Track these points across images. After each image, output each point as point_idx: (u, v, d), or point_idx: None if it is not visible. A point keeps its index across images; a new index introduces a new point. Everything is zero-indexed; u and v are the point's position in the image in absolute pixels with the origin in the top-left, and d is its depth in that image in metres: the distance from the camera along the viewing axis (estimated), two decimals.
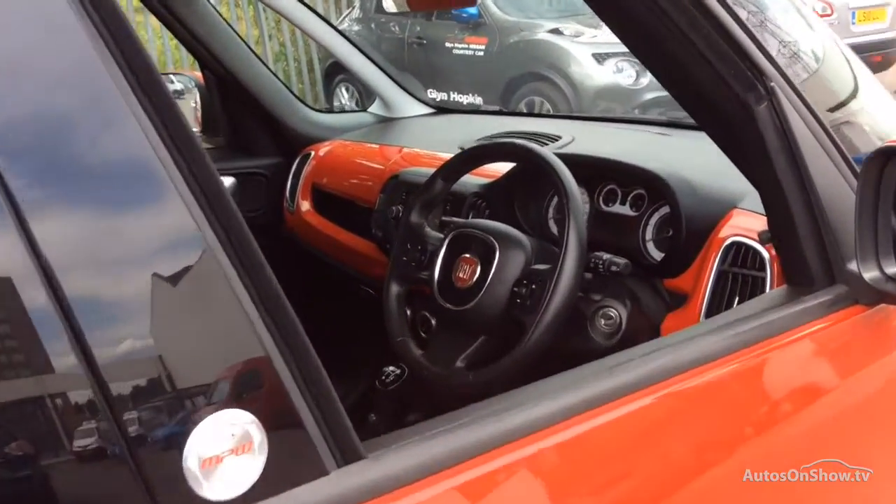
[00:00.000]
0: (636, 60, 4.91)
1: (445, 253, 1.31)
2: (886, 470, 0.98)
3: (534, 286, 1.18)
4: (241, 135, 2.24)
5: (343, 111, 2.40)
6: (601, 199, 1.47)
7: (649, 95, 5.21)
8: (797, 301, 0.97)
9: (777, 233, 1.05)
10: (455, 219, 1.49)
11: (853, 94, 1.19)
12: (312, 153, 2.19)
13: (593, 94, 5.49)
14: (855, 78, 1.18)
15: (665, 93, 1.08)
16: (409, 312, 1.38)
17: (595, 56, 5.53)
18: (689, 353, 0.86)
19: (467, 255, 1.27)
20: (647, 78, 5.16)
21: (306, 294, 2.40)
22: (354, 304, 2.00)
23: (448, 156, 1.88)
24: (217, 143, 2.28)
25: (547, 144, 1.79)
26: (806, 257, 0.99)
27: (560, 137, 1.82)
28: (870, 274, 0.94)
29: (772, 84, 0.96)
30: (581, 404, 0.75)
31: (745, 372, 0.90)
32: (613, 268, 1.22)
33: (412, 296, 1.42)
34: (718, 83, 0.96)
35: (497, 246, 1.24)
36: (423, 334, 1.43)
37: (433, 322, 1.38)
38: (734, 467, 0.84)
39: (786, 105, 0.97)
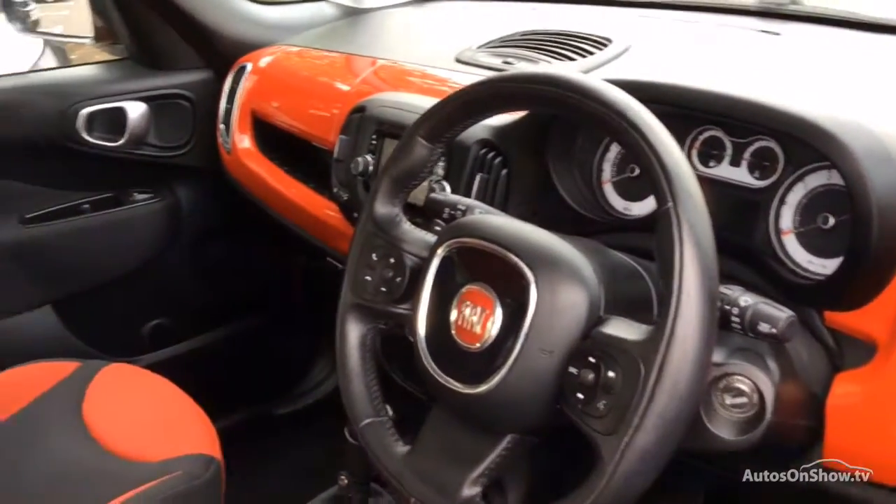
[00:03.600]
0: None
1: (436, 281, 0.73)
2: None
3: (611, 373, 0.60)
4: (149, 40, 1.59)
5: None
6: (696, 155, 0.88)
7: None
8: None
9: None
10: (451, 197, 0.89)
11: None
12: (249, 66, 1.55)
13: None
14: None
15: None
16: (378, 370, 0.81)
17: None
18: None
19: (476, 288, 0.69)
20: None
21: (258, 263, 1.83)
22: (322, 282, 1.41)
23: (441, 74, 1.26)
24: (119, 53, 1.64)
25: (590, 55, 1.17)
26: None
27: (609, 42, 1.19)
28: None
29: None
30: None
31: None
32: (763, 327, 0.63)
33: (390, 342, 0.84)
34: None
35: (532, 278, 0.66)
36: (396, 416, 0.83)
37: (422, 399, 0.79)
38: None
39: None
